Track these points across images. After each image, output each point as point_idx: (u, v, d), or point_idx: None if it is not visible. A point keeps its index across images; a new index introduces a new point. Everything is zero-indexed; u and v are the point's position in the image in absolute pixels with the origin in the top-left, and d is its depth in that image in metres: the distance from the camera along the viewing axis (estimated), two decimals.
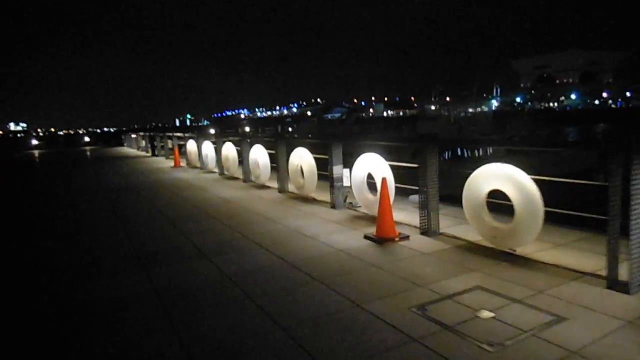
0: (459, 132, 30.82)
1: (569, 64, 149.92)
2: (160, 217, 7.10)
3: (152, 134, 23.78)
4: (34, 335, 3.21)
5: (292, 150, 8.08)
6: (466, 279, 3.77)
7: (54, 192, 11.31)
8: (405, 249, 4.68)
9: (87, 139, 46.86)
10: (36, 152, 35.31)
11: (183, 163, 15.72)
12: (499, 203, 4.53)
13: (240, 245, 5.16)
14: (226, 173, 11.96)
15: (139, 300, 3.68)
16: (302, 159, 7.73)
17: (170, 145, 19.78)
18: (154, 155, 22.50)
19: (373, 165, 5.94)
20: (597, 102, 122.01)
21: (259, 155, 9.51)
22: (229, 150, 11.29)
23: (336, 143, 6.84)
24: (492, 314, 3.05)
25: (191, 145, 14.99)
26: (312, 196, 7.89)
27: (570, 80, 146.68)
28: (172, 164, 16.43)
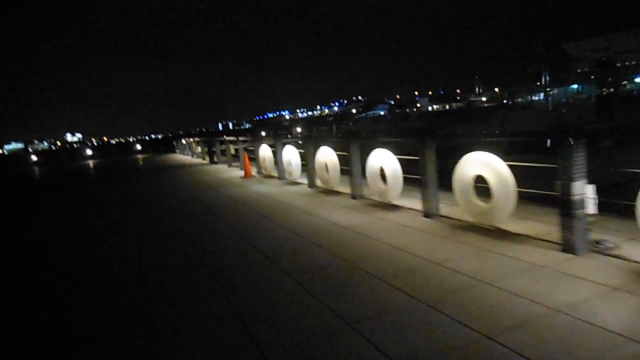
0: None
1: (631, 45, 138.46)
2: (277, 272, 4.45)
3: (210, 138, 21.70)
4: None
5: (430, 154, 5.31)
6: None
7: (111, 220, 9.05)
8: None
9: (138, 147, 46.32)
10: (90, 163, 34.51)
11: (253, 171, 13.31)
12: None
13: None
14: (319, 185, 9.34)
15: None
16: (487, 167, 4.90)
17: (232, 151, 17.52)
18: (212, 162, 20.41)
19: None
20: None
21: (386, 162, 6.76)
22: (327, 155, 8.63)
23: (577, 146, 3.95)
24: None
25: (264, 151, 12.52)
26: (498, 226, 5.05)
27: (634, 62, 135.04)
28: (239, 172, 14.07)
